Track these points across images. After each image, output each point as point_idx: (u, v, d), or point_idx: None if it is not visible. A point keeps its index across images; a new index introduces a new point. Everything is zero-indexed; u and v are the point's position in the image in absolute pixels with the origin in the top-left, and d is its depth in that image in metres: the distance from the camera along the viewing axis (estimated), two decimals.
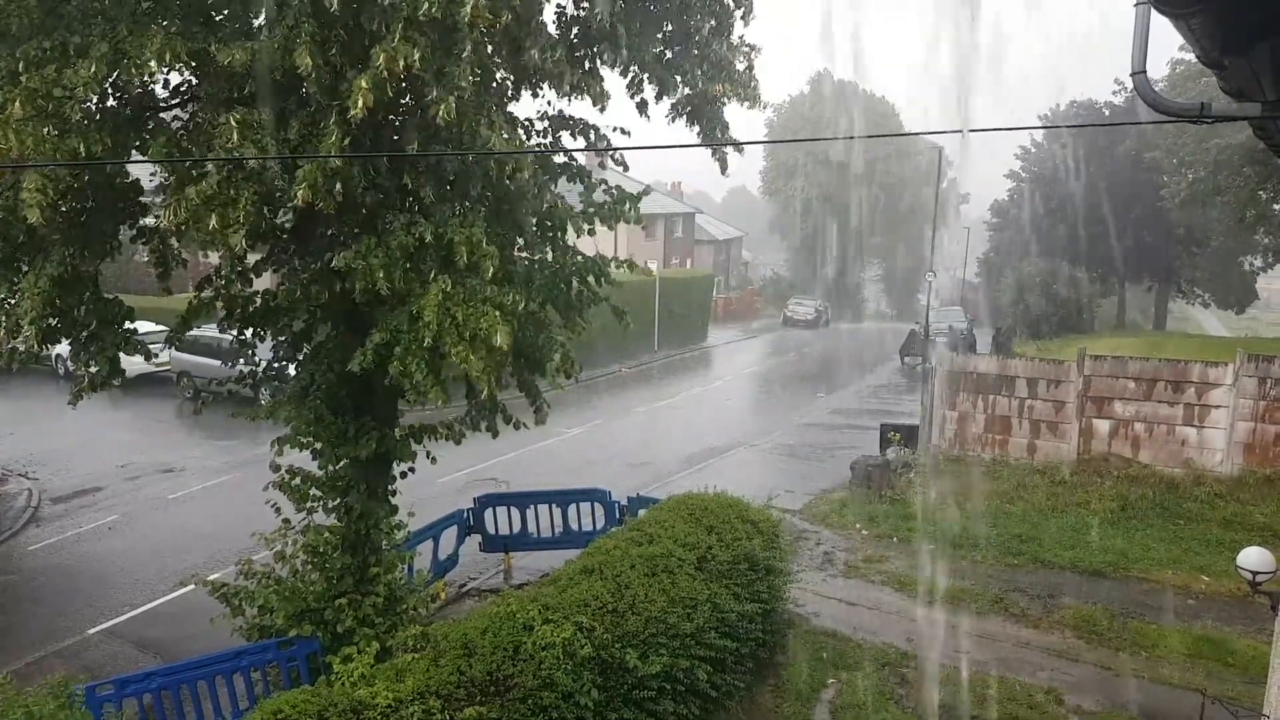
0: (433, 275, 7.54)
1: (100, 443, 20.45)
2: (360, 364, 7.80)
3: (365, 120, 6.98)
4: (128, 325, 8.96)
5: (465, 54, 6.96)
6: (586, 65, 8.52)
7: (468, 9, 6.63)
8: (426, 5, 6.60)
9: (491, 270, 7.52)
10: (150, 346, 9.50)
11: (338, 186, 7.06)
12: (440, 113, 6.91)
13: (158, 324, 19.89)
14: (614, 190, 9.29)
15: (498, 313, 7.35)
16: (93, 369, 8.74)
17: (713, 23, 8.96)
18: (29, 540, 15.12)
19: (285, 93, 7.53)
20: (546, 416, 10.05)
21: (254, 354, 10.14)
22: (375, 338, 7.73)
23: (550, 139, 9.35)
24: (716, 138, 9.29)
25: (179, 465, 19.28)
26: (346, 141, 7.03)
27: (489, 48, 7.55)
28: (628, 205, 9.13)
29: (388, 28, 6.84)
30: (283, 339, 9.78)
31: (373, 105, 6.75)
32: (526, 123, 8.92)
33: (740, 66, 9.08)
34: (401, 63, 6.63)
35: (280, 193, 7.39)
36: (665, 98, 9.25)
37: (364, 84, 6.60)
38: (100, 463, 19.30)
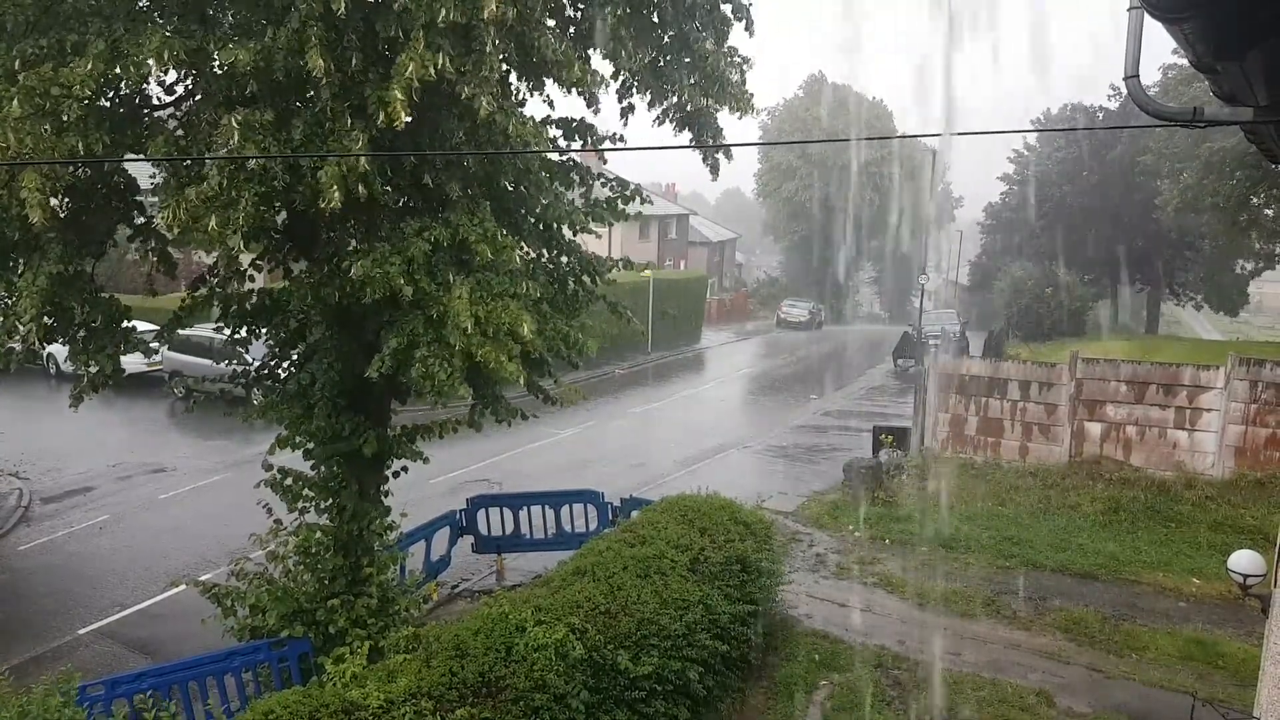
0: (451, 277, 7.56)
1: (91, 442, 20.36)
2: (379, 369, 7.77)
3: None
4: (126, 324, 8.92)
5: (487, 49, 7.01)
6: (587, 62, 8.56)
7: (491, 9, 6.65)
8: (444, 12, 6.61)
9: (517, 260, 7.60)
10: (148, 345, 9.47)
11: (360, 188, 7.09)
12: (481, 108, 7.01)
13: (148, 324, 19.80)
14: (614, 183, 9.30)
15: (516, 303, 7.40)
16: (93, 368, 8.66)
17: (711, 33, 8.96)
18: (19, 540, 15.05)
19: (288, 93, 7.51)
20: (575, 399, 10.11)
21: (247, 353, 10.10)
22: (392, 343, 7.71)
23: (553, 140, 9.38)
24: (708, 143, 9.30)
25: (170, 465, 19.22)
26: (361, 143, 7.04)
27: (499, 42, 7.60)
28: (622, 202, 9.15)
29: (406, 34, 6.84)
30: (282, 335, 9.76)
31: (411, 113, 6.81)
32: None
33: (734, 78, 9.09)
34: (432, 70, 6.67)
35: (293, 194, 7.39)
36: (655, 105, 9.26)
37: (398, 94, 6.64)
38: (91, 462, 19.22)
